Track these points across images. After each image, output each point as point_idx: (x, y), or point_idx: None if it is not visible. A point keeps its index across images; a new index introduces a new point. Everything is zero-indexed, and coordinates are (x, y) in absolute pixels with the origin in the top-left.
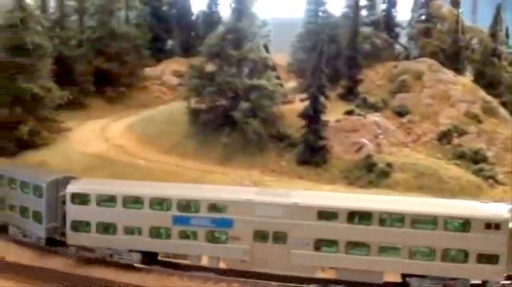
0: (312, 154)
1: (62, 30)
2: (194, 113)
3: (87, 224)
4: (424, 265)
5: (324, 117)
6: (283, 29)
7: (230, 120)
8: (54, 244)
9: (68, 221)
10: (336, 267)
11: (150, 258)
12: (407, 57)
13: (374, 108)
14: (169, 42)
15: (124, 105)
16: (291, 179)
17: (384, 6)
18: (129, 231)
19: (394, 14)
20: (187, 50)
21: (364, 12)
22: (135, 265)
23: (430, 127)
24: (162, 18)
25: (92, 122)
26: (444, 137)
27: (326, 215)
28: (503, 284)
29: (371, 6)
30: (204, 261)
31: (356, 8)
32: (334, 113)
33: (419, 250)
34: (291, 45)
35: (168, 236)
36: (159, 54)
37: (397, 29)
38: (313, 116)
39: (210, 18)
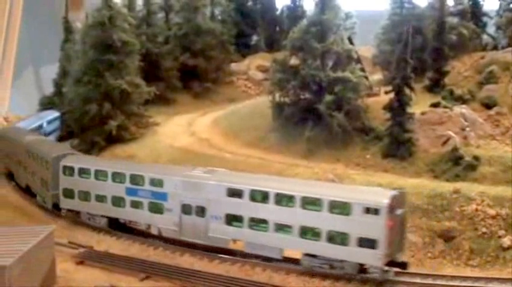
0: (397, 147)
1: (148, 27)
2: (278, 107)
3: (72, 191)
4: (313, 244)
5: (409, 110)
6: (369, 21)
7: (314, 113)
8: (58, 208)
9: (60, 189)
10: (242, 240)
11: (115, 223)
12: (495, 48)
13: (461, 100)
14: (254, 38)
15: (210, 100)
16: (375, 173)
17: None
18: (99, 199)
19: (481, 3)
20: (272, 45)
21: (450, 2)
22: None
23: None
24: (247, 14)
25: (178, 117)
26: None
27: (234, 193)
28: (384, 269)
29: None
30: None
31: None
32: (420, 105)
33: (308, 230)
34: (376, 37)
35: (124, 205)
36: (245, 49)
37: (485, 19)
38: (398, 109)
39: (294, 13)
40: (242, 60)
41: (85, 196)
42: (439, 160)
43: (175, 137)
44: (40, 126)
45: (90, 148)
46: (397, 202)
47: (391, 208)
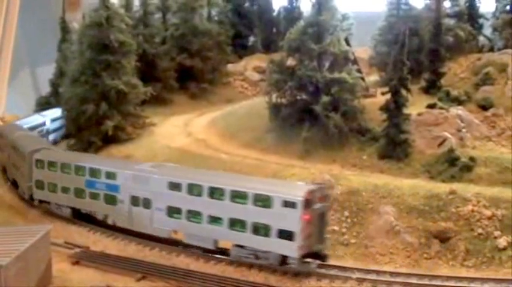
0: (394, 148)
1: (145, 27)
2: (275, 108)
3: (43, 183)
4: (240, 235)
5: (405, 111)
6: (365, 22)
7: (311, 114)
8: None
9: (33, 180)
10: (182, 231)
11: (78, 214)
12: (491, 49)
13: (457, 101)
14: (251, 39)
15: (207, 101)
16: (372, 174)
17: None
18: (64, 190)
19: (478, 4)
20: (269, 46)
21: (446, 4)
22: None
23: None
24: (244, 15)
25: (175, 117)
26: None
27: (174, 186)
28: (303, 261)
29: None
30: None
31: None
32: (416, 106)
33: (236, 221)
34: (373, 39)
35: (84, 196)
36: (241, 50)
37: (481, 20)
38: (394, 110)
39: (291, 14)
40: (239, 61)
41: (53, 187)
42: (435, 161)
43: (171, 137)
44: (43, 124)
45: (86, 148)
46: (316, 196)
47: (308, 202)
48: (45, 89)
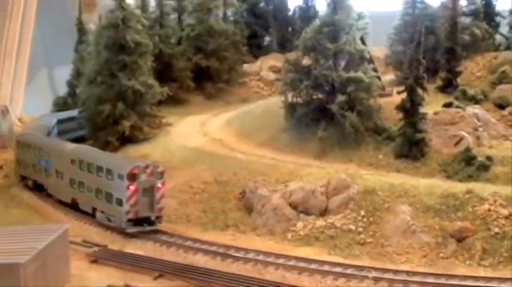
0: (410, 147)
1: (161, 28)
2: (291, 107)
3: (21, 161)
4: (100, 202)
5: (421, 110)
6: (381, 21)
7: (326, 113)
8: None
9: (16, 159)
10: (77, 199)
11: (38, 185)
12: (508, 48)
13: (474, 100)
14: (267, 38)
15: (223, 101)
16: (388, 173)
17: None
18: (30, 167)
19: (494, 3)
20: (285, 46)
21: (463, 2)
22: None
23: None
24: (259, 15)
25: (191, 117)
26: None
27: (72, 162)
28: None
29: None
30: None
31: None
32: (432, 105)
33: (98, 190)
34: (388, 38)
35: (38, 171)
36: (257, 50)
37: (498, 19)
38: (410, 109)
39: (307, 13)
40: (254, 61)
41: (24, 164)
42: (451, 160)
43: (188, 137)
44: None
45: (103, 148)
46: (145, 171)
47: (132, 175)
48: (63, 90)
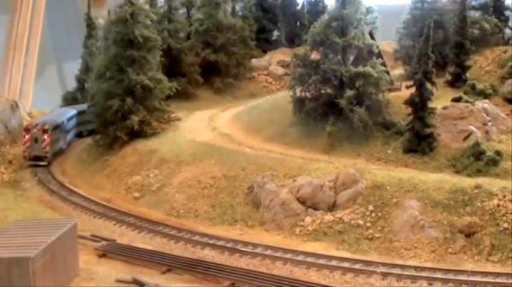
0: (419, 142)
1: (170, 23)
2: (299, 102)
3: None
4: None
5: (430, 105)
6: (390, 16)
7: (335, 108)
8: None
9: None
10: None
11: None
12: None
13: (483, 94)
14: (275, 33)
15: (231, 95)
16: (396, 168)
17: None
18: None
19: None
20: (293, 40)
21: None
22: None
23: None
24: (268, 10)
25: (200, 112)
26: None
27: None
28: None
29: None
30: None
31: None
32: (441, 100)
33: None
34: (397, 32)
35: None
36: (266, 45)
37: (507, 13)
38: (419, 104)
39: (315, 8)
40: (263, 55)
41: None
42: (460, 155)
43: (196, 132)
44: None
45: (112, 143)
46: (37, 127)
47: (26, 128)
48: (72, 85)
